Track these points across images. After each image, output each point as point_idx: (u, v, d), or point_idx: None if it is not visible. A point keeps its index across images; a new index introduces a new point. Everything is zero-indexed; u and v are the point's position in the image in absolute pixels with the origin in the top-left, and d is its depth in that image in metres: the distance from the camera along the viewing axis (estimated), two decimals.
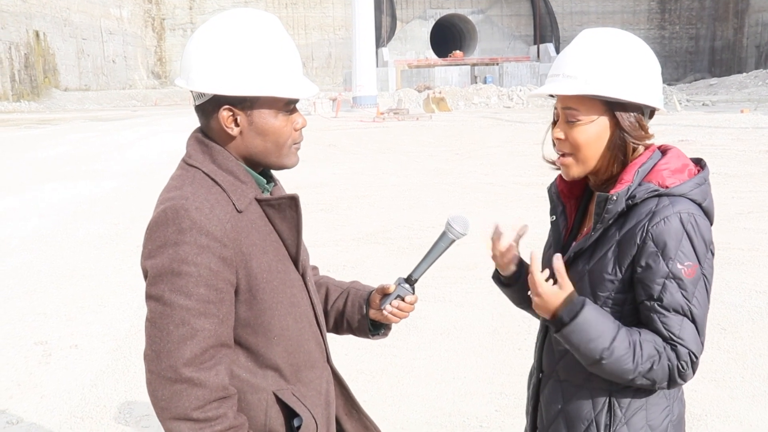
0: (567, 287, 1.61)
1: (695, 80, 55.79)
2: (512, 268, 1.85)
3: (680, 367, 1.57)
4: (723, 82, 46.61)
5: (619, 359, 1.57)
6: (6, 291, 6.47)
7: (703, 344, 1.60)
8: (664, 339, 1.58)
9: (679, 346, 1.56)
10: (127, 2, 59.34)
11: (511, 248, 1.83)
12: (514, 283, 1.87)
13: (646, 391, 1.67)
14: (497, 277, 1.92)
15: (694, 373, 1.60)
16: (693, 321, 1.57)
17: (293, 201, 1.62)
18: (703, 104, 34.40)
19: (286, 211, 1.62)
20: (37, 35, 48.11)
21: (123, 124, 29.72)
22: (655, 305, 1.58)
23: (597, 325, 1.57)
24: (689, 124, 22.19)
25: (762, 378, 4.28)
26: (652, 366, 1.57)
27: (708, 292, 1.60)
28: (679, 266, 1.55)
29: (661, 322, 1.57)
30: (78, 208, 10.74)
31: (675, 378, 1.59)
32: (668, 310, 1.57)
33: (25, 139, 23.54)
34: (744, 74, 47.64)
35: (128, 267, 7.12)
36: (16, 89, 45.44)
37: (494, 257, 1.85)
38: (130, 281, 6.60)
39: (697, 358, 1.57)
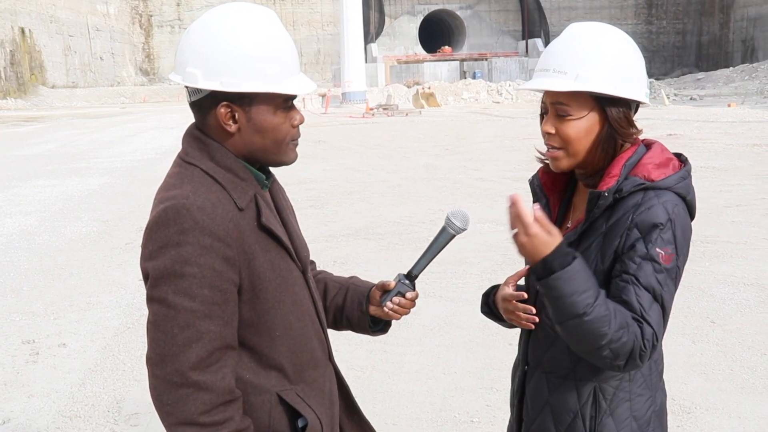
0: (556, 234, 1.54)
1: (683, 75, 56.09)
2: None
3: (642, 346, 1.56)
4: (710, 76, 46.87)
5: (600, 318, 1.53)
6: None
7: (663, 333, 1.60)
8: (634, 311, 1.56)
9: (645, 324, 1.57)
10: None
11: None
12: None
13: (630, 381, 1.68)
14: (490, 312, 1.93)
15: (649, 357, 1.58)
16: (662, 306, 1.59)
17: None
18: (690, 98, 34.62)
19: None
20: (23, 32, 47.68)
21: (111, 121, 29.54)
22: (632, 278, 1.58)
23: (586, 280, 1.54)
24: (677, 118, 22.31)
25: (751, 370, 4.31)
26: (621, 337, 1.55)
27: (676, 285, 1.62)
28: (657, 250, 1.57)
29: (636, 293, 1.57)
30: (65, 205, 10.66)
31: (635, 357, 1.56)
32: (641, 287, 1.57)
33: (12, 136, 23.35)
34: (731, 68, 47.92)
35: (117, 265, 7.07)
36: (2, 87, 45.05)
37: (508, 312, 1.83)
38: (118, 279, 6.55)
39: (657, 341, 1.58)
